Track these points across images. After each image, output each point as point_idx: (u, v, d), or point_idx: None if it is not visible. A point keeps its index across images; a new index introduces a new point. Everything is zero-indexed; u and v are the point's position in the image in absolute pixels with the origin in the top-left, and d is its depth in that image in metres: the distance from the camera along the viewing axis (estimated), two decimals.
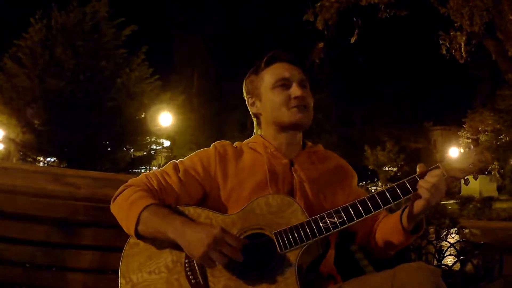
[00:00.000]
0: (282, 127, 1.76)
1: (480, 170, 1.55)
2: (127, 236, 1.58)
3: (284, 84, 1.74)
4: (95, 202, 1.85)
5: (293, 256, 1.46)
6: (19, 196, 1.87)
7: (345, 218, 1.49)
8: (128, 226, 1.54)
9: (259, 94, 1.80)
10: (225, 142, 1.81)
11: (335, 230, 1.48)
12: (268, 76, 1.78)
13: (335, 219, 1.49)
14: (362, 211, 1.49)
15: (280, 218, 1.52)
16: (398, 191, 1.51)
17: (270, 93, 1.76)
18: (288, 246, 1.46)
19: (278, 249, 1.47)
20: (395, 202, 1.51)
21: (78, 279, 1.81)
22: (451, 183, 1.55)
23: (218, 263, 1.41)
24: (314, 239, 1.47)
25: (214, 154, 1.72)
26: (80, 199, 1.89)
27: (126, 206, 1.55)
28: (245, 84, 1.88)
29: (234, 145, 1.81)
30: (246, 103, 1.88)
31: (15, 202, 1.85)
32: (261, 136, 1.83)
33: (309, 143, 1.87)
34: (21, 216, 1.84)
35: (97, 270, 1.83)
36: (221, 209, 1.63)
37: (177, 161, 1.74)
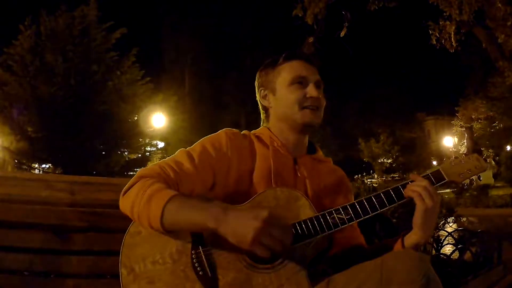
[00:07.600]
0: (292, 126, 1.75)
1: (476, 176, 1.61)
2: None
3: (301, 82, 1.73)
4: (90, 207, 1.84)
5: (302, 250, 1.46)
6: (14, 204, 1.86)
7: (352, 215, 1.50)
8: (150, 219, 1.43)
9: (273, 88, 1.78)
10: (235, 130, 1.78)
11: (343, 226, 1.49)
12: (286, 72, 1.75)
13: (343, 215, 1.49)
14: (368, 208, 1.50)
15: (289, 212, 1.51)
16: (402, 190, 1.53)
17: (285, 89, 1.74)
18: (298, 240, 1.45)
19: None
20: (399, 202, 1.53)
21: (76, 285, 1.80)
22: (450, 186, 1.58)
23: (273, 248, 1.33)
24: (323, 234, 1.47)
25: (225, 138, 1.68)
26: (74, 205, 1.88)
27: (145, 199, 1.44)
28: (259, 76, 1.85)
29: (242, 133, 1.78)
30: (257, 95, 1.86)
31: (10, 210, 1.84)
32: (269, 129, 1.81)
33: (320, 152, 1.86)
34: (17, 224, 1.83)
35: (95, 275, 1.82)
36: (226, 199, 1.53)
37: (186, 149, 1.67)
